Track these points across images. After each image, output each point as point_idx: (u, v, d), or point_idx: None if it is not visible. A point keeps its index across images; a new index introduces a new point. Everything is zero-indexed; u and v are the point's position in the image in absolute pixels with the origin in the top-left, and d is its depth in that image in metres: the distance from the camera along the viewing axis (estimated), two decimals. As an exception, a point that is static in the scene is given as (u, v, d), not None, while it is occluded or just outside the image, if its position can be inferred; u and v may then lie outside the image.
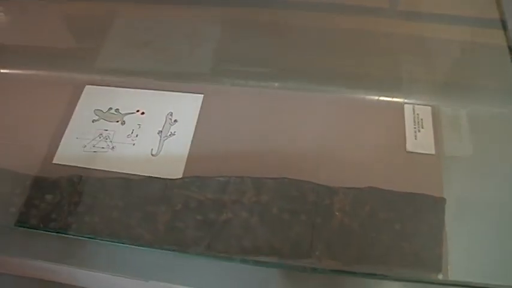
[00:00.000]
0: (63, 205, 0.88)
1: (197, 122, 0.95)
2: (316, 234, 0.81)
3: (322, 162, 0.89)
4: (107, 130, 0.97)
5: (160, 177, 0.88)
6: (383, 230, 0.80)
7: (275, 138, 0.91)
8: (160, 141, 0.93)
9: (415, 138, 0.90)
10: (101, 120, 0.98)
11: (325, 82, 1.00)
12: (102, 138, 0.96)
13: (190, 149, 0.92)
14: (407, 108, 0.95)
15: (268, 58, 1.00)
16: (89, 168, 0.93)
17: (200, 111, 0.97)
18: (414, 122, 0.92)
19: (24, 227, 0.86)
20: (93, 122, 0.99)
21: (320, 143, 0.91)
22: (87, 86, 1.04)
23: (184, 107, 0.97)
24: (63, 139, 0.98)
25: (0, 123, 1.03)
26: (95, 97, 1.02)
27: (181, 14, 1.04)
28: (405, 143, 0.90)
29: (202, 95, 0.98)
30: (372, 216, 0.81)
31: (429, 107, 0.95)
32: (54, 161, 0.96)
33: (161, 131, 0.94)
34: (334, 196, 0.84)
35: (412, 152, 0.89)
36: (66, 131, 0.98)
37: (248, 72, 1.00)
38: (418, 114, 0.93)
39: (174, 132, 0.93)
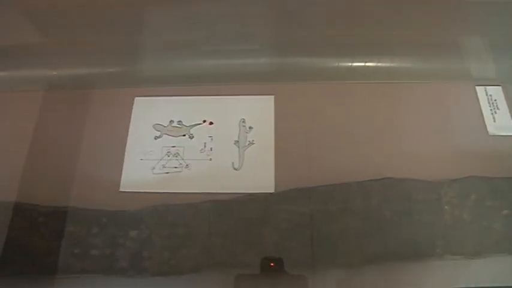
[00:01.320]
0: (154, 240, 0.77)
1: (275, 126, 0.87)
2: (433, 231, 0.79)
3: (413, 155, 0.86)
4: (174, 147, 0.86)
5: (254, 193, 0.81)
6: (493, 218, 0.80)
7: (360, 134, 0.87)
8: (239, 153, 0.85)
9: (494, 121, 0.89)
10: (164, 136, 0.87)
11: (393, 74, 0.96)
12: (171, 156, 0.86)
13: (275, 157, 0.84)
14: (480, 91, 0.93)
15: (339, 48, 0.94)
16: (165, 193, 0.83)
17: (275, 113, 0.88)
18: (489, 103, 0.91)
19: (113, 273, 0.75)
20: (155, 139, 0.87)
21: (406, 135, 0.88)
22: (136, 98, 0.92)
23: (257, 111, 0.89)
24: (125, 162, 0.86)
25: (52, 151, 0.88)
26: (149, 110, 0.90)
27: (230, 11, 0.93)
28: (485, 127, 0.89)
29: (274, 96, 0.89)
30: (479, 205, 0.81)
31: (499, 87, 0.94)
32: (121, 189, 0.84)
33: (238, 141, 0.86)
34: (440, 190, 0.81)
35: (494, 135, 0.88)
36: (127, 153, 0.87)
37: (317, 67, 0.92)
38: (491, 95, 0.92)
39: (253, 140, 0.85)
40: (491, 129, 0.89)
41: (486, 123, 0.89)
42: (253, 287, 0.75)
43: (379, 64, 0.93)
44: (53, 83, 0.95)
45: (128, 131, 0.88)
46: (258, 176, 0.82)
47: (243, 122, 0.87)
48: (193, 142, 0.86)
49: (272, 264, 0.76)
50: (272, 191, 0.80)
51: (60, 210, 0.81)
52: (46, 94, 0.94)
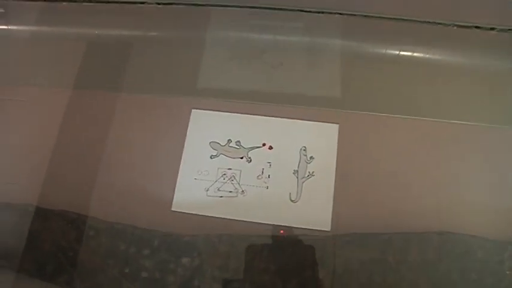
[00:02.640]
0: (205, 270, 0.76)
1: (337, 158, 0.83)
2: (489, 294, 0.77)
3: (476, 207, 0.82)
4: (230, 169, 0.83)
5: (310, 229, 0.79)
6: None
7: (425, 178, 0.83)
8: (298, 184, 0.81)
9: None
10: (221, 156, 0.84)
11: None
12: (227, 179, 0.82)
13: (334, 192, 0.81)
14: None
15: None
16: (218, 218, 0.81)
17: (338, 144, 0.84)
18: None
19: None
20: (211, 158, 0.84)
21: (470, 184, 0.84)
22: (193, 111, 0.87)
23: (319, 140, 0.84)
24: (178, 180, 0.83)
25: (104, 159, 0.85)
26: (206, 124, 0.86)
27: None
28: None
29: (338, 125, 0.84)
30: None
31: None
32: (173, 208, 0.82)
33: (297, 171, 0.82)
34: (503, 252, 0.78)
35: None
36: (181, 170, 0.83)
37: (386, 101, 0.87)
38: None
39: (313, 172, 0.81)
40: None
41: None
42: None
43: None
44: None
45: (183, 145, 0.84)
46: (315, 211, 0.79)
47: (304, 150, 0.82)
48: (250, 166, 0.82)
49: (282, 231, 0.76)
50: (328, 229, 0.78)
51: (112, 226, 0.79)
52: (99, 95, 0.89)
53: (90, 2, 0.93)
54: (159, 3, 0.90)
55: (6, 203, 0.84)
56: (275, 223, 0.78)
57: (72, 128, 0.88)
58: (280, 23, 0.88)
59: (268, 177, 0.81)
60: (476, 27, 0.86)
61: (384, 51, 0.88)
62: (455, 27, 0.86)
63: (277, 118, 0.85)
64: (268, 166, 0.82)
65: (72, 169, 0.85)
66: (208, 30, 0.90)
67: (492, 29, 0.86)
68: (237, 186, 0.81)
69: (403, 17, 0.86)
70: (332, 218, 0.79)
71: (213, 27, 0.90)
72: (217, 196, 0.81)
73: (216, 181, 0.82)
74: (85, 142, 0.87)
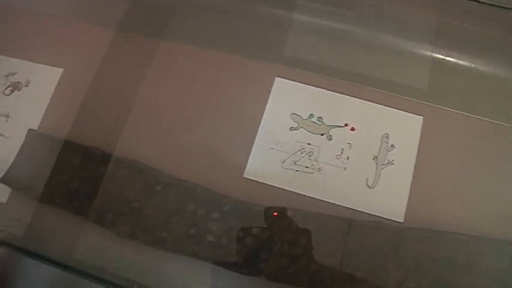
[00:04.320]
0: (275, 243, 0.73)
1: (418, 151, 0.80)
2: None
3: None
4: (309, 144, 0.79)
5: (383, 219, 0.76)
6: None
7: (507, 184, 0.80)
8: (376, 170, 0.78)
9: None
10: (301, 129, 0.80)
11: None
12: (304, 154, 0.79)
13: (411, 185, 0.78)
14: None
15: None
16: (291, 192, 0.78)
17: (420, 137, 0.81)
18: None
19: (226, 266, 0.72)
20: (290, 129, 0.81)
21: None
22: (277, 79, 0.83)
23: (403, 130, 0.81)
24: (254, 147, 0.80)
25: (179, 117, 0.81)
26: (289, 95, 0.82)
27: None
28: None
29: (422, 117, 0.81)
30: None
31: None
32: (245, 175, 0.79)
33: (377, 157, 0.79)
34: None
35: None
36: (258, 137, 0.80)
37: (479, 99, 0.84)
38: None
39: (392, 160, 0.78)
40: None
41: None
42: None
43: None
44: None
45: (262, 112, 0.80)
46: (390, 200, 0.76)
47: (386, 137, 0.79)
48: (330, 144, 0.79)
49: (276, 213, 0.74)
50: (401, 220, 0.75)
51: (181, 183, 0.75)
52: (180, 47, 0.86)
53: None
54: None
55: (76, 144, 0.80)
56: (349, 206, 0.76)
57: (146, 79, 0.84)
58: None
59: (347, 158, 0.78)
60: None
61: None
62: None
63: (362, 100, 0.81)
64: (348, 147, 0.79)
65: (146, 123, 0.81)
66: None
67: None
68: (314, 162, 0.78)
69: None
70: (406, 210, 0.76)
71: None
72: (293, 169, 0.78)
73: (293, 154, 0.78)
74: (164, 96, 0.83)
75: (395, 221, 0.76)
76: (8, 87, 0.91)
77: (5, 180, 0.82)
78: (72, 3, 0.97)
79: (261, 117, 0.81)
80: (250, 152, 0.79)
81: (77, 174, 0.79)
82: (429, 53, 0.85)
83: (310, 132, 0.80)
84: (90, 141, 0.82)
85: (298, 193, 0.77)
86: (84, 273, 0.71)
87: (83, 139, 0.82)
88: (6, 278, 0.72)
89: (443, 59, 0.85)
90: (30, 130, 0.85)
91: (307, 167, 0.78)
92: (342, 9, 0.86)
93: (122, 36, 0.90)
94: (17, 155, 0.83)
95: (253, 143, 0.80)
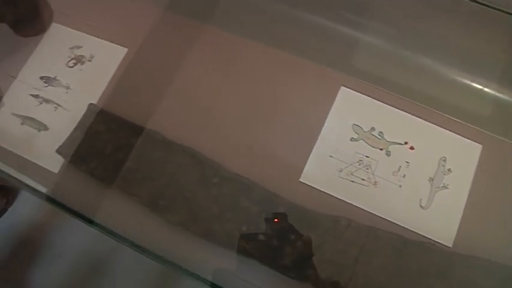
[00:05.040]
0: (325, 251, 0.73)
1: (473, 178, 0.80)
2: None
3: None
4: (368, 157, 0.80)
5: (432, 241, 0.76)
6: None
7: None
8: (431, 192, 0.78)
9: None
10: (361, 141, 0.80)
11: None
12: (362, 166, 0.79)
13: (464, 211, 0.78)
14: None
15: None
16: (345, 202, 0.78)
17: (477, 165, 0.81)
18: None
19: (275, 267, 0.72)
20: (351, 140, 0.81)
21: None
22: (342, 88, 0.83)
23: (460, 155, 0.81)
24: (313, 152, 0.80)
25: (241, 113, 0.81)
26: (352, 105, 0.83)
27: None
28: None
29: (481, 146, 0.81)
30: None
31: None
32: (301, 179, 0.79)
33: (432, 179, 0.79)
34: None
35: None
36: (318, 143, 0.80)
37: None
38: None
39: (447, 184, 0.78)
40: None
41: None
42: None
43: None
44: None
45: (324, 118, 0.80)
46: (441, 223, 0.76)
47: (444, 160, 0.79)
48: (388, 160, 0.79)
49: (277, 219, 0.74)
50: (450, 245, 0.75)
51: (239, 179, 0.75)
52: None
53: None
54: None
55: (136, 125, 0.81)
56: (400, 223, 0.75)
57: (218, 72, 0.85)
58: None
59: (404, 176, 0.78)
60: None
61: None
62: None
63: (424, 121, 0.81)
64: (406, 166, 0.79)
65: (204, 115, 0.81)
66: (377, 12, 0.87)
67: None
68: (370, 176, 0.78)
69: None
70: (456, 235, 0.76)
71: (382, 11, 0.86)
72: (349, 180, 0.78)
73: (350, 164, 0.78)
74: (220, 89, 0.83)
75: (444, 245, 0.75)
76: (72, 59, 0.91)
77: (60, 151, 0.82)
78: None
79: (322, 124, 0.81)
80: (308, 157, 0.79)
81: (133, 155, 0.79)
82: (495, 85, 0.85)
83: (369, 145, 0.80)
84: (151, 124, 0.82)
85: (351, 204, 0.77)
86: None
87: (143, 121, 0.82)
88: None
89: (508, 93, 0.85)
90: (91, 104, 0.85)
91: (363, 180, 0.78)
92: (411, 38, 0.86)
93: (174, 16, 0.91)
94: (75, 128, 0.83)
95: (312, 148, 0.80)
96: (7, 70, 0.93)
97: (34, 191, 0.80)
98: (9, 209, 1.16)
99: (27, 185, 0.81)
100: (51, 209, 1.12)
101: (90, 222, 0.76)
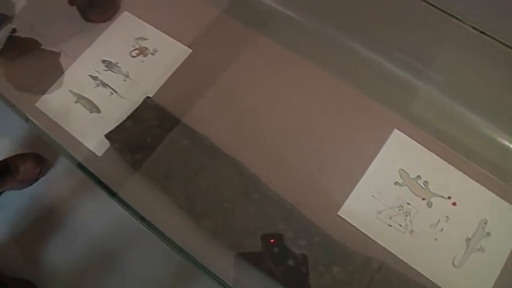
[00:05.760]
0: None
1: None
2: None
3: None
4: (409, 204, 0.79)
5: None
6: None
7: None
8: (466, 252, 0.77)
9: None
10: (405, 187, 0.80)
11: None
12: (401, 212, 0.78)
13: (497, 278, 0.76)
14: None
15: None
16: (378, 244, 0.77)
17: (518, 233, 0.79)
18: None
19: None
20: (395, 184, 0.80)
21: None
22: (395, 131, 0.83)
23: (502, 221, 0.79)
24: (356, 189, 0.80)
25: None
26: (402, 150, 0.82)
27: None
28: None
29: (525, 214, 0.80)
30: None
31: None
32: (339, 212, 0.78)
33: (469, 239, 0.78)
34: None
35: None
36: (362, 181, 0.81)
37: None
38: None
39: (484, 248, 0.77)
40: None
41: None
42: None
43: None
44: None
45: (373, 157, 0.80)
46: (470, 286, 0.75)
47: (484, 223, 0.78)
48: (429, 211, 0.78)
49: (273, 240, 0.74)
50: (478, 309, 0.73)
51: (279, 200, 0.76)
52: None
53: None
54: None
55: (189, 127, 0.82)
56: (430, 277, 0.75)
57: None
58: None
59: (441, 230, 0.77)
60: None
61: None
62: None
63: (471, 180, 0.81)
64: (445, 220, 0.78)
65: (252, 128, 0.82)
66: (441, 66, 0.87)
67: None
68: (408, 223, 0.77)
69: None
70: (486, 300, 0.75)
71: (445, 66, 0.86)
72: (386, 223, 0.77)
73: (391, 208, 0.78)
74: (288, 109, 0.84)
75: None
76: (136, 49, 0.93)
77: (109, 136, 0.83)
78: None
79: (370, 162, 0.81)
80: (350, 192, 0.79)
81: (180, 155, 0.79)
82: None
83: (413, 192, 0.80)
84: (202, 127, 0.83)
85: (385, 247, 0.76)
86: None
87: (194, 123, 0.83)
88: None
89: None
90: (147, 98, 0.86)
91: (401, 226, 0.77)
92: (470, 96, 0.86)
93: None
94: (128, 117, 0.84)
95: (355, 184, 0.79)
96: (72, 47, 0.95)
97: (71, 158, 0.81)
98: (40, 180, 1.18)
99: (66, 152, 0.82)
100: (77, 189, 1.14)
101: (112, 194, 0.76)
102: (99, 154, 0.85)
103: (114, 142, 0.82)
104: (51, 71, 0.94)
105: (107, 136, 0.83)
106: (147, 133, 0.82)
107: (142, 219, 0.75)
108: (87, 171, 0.78)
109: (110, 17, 0.96)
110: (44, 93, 0.93)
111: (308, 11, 0.94)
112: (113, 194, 0.76)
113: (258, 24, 0.93)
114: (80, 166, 0.80)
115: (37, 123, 0.85)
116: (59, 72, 0.94)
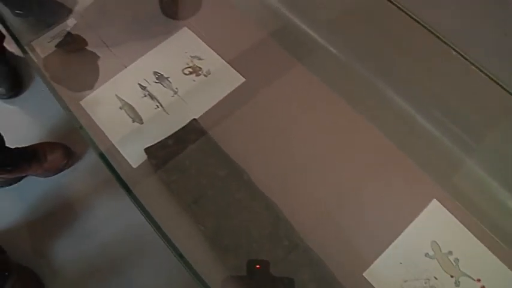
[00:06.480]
0: None
1: None
2: None
3: None
4: (436, 279, 0.77)
5: None
6: None
7: None
8: None
9: None
10: (435, 260, 0.78)
11: None
12: (427, 285, 0.77)
13: None
14: None
15: None
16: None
17: None
18: None
19: None
20: (425, 255, 0.78)
21: None
22: (434, 201, 0.82)
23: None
24: (385, 253, 0.78)
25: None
26: (438, 222, 0.81)
27: None
28: None
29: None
30: None
31: None
32: (365, 274, 0.77)
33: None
34: None
35: None
36: (392, 246, 0.79)
37: None
38: None
39: None
40: None
41: None
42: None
43: None
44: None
45: (407, 224, 0.79)
46: None
47: (510, 313, 0.76)
48: (454, 290, 0.76)
49: (258, 266, 0.72)
50: None
51: (308, 251, 0.75)
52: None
53: None
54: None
55: (229, 158, 0.81)
56: None
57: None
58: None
59: (462, 313, 0.75)
60: None
61: None
62: None
63: (505, 266, 0.79)
64: (468, 304, 0.75)
65: (299, 175, 0.81)
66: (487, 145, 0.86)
67: None
68: (429, 299, 0.75)
69: None
70: None
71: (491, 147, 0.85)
72: (409, 293, 0.75)
73: (417, 279, 0.76)
74: (329, 158, 0.83)
75: None
76: (189, 67, 0.93)
77: (149, 151, 0.83)
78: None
79: (404, 228, 0.79)
80: (379, 255, 0.77)
81: (216, 185, 0.79)
82: None
83: (442, 267, 0.78)
84: (242, 160, 0.82)
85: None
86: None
87: (236, 155, 0.82)
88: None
89: None
90: (194, 120, 0.85)
91: (424, 300, 0.75)
92: None
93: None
94: (170, 136, 0.84)
95: (386, 247, 0.78)
96: (126, 52, 0.95)
97: (109, 166, 0.80)
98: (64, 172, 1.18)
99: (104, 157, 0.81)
100: (100, 189, 1.14)
101: (142, 209, 0.75)
102: (134, 165, 0.85)
103: (153, 157, 0.82)
104: (98, 72, 0.95)
105: (147, 150, 0.83)
106: (186, 155, 0.82)
107: (164, 236, 0.73)
108: (123, 183, 0.77)
109: (186, 16, 0.98)
110: (90, 93, 0.93)
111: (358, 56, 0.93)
112: (143, 209, 0.75)
113: (302, 55, 0.92)
114: (116, 175, 0.79)
115: (89, 133, 0.84)
116: (107, 74, 0.94)
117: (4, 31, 1.11)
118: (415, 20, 0.86)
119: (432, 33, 0.85)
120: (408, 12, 0.88)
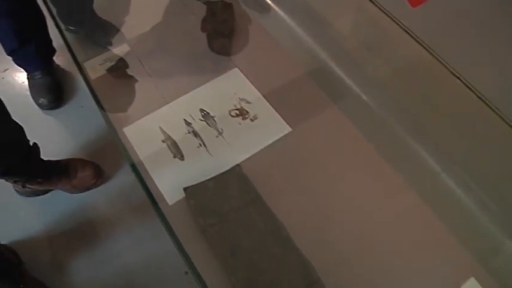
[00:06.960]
0: None
1: None
2: None
3: None
4: None
5: None
6: None
7: None
8: None
9: None
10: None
11: None
12: None
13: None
14: None
15: None
16: None
17: None
18: None
19: None
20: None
21: None
22: (472, 279, 0.81)
23: None
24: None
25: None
26: None
27: None
28: None
29: None
30: None
31: None
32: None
33: None
34: None
35: None
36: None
37: None
38: None
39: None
40: None
41: None
42: None
43: None
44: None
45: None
46: None
47: None
48: None
49: None
50: None
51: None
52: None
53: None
54: None
55: (268, 208, 0.81)
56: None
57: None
58: None
59: None
60: None
61: None
62: None
63: None
64: None
65: (337, 235, 0.81)
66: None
67: None
68: None
69: None
70: None
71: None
72: None
73: None
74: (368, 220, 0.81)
75: None
76: (237, 109, 0.93)
77: (188, 190, 0.82)
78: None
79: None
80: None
81: (252, 236, 0.78)
82: None
83: None
84: (282, 214, 0.81)
85: None
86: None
87: (276, 207, 0.81)
88: None
89: None
90: (237, 166, 0.85)
91: None
92: None
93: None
94: (211, 179, 0.83)
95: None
96: (173, 87, 0.95)
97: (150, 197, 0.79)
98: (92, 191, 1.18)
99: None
100: (127, 214, 1.13)
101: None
102: (170, 202, 0.84)
103: (191, 198, 0.81)
104: (142, 101, 0.95)
105: (186, 190, 0.82)
106: (226, 201, 0.81)
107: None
108: (166, 222, 0.77)
109: (229, 52, 1.00)
110: (134, 121, 0.93)
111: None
112: (182, 251, 0.74)
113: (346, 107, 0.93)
114: (159, 213, 0.78)
115: (138, 169, 0.84)
116: (152, 105, 0.94)
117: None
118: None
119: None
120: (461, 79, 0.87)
